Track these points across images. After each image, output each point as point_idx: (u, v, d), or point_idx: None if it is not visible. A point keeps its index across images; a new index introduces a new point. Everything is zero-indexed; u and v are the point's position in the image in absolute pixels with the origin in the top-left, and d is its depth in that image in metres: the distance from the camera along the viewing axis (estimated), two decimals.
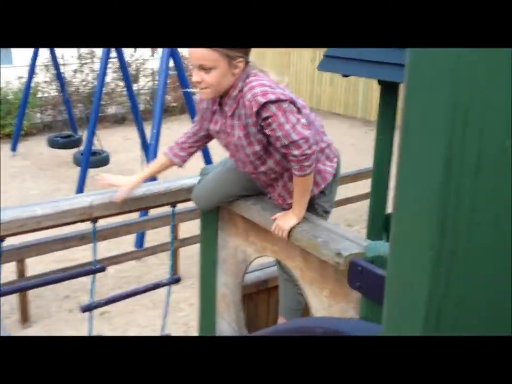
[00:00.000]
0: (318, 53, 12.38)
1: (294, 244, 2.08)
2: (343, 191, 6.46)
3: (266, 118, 1.91)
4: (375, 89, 11.52)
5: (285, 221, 2.07)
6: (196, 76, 1.95)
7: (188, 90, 5.66)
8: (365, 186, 6.60)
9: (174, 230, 4.00)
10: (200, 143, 2.33)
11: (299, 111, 1.98)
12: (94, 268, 2.56)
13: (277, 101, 1.90)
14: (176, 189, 2.56)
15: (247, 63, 1.98)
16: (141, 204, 2.42)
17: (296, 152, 1.93)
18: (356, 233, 2.08)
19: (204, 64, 1.91)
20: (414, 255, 0.50)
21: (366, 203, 6.59)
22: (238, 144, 2.05)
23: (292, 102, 1.95)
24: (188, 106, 6.49)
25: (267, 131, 1.95)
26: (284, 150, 1.96)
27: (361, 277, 1.79)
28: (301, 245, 2.04)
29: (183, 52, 7.18)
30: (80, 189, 6.62)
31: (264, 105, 1.89)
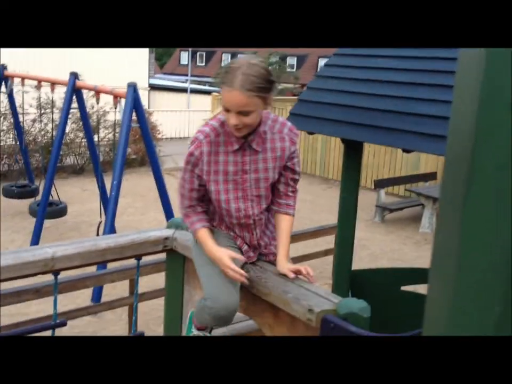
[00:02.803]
0: (277, 110, 12.67)
1: (263, 299, 2.06)
2: (302, 248, 6.46)
3: (295, 151, 2.11)
4: (332, 149, 11.82)
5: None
6: (235, 120, 1.91)
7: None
8: (323, 243, 6.62)
9: (135, 284, 3.88)
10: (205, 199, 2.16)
11: None
12: (54, 323, 2.46)
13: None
14: (141, 241, 2.51)
15: None
16: (106, 256, 2.36)
17: (296, 187, 2.15)
18: (326, 289, 2.08)
19: (245, 110, 1.90)
20: None
21: (325, 260, 6.64)
22: (262, 178, 2.08)
23: None
24: (150, 159, 6.48)
25: (289, 163, 2.10)
26: (292, 183, 2.14)
27: (334, 334, 1.77)
28: (270, 300, 2.02)
29: (146, 105, 7.20)
30: (35, 241, 6.42)
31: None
